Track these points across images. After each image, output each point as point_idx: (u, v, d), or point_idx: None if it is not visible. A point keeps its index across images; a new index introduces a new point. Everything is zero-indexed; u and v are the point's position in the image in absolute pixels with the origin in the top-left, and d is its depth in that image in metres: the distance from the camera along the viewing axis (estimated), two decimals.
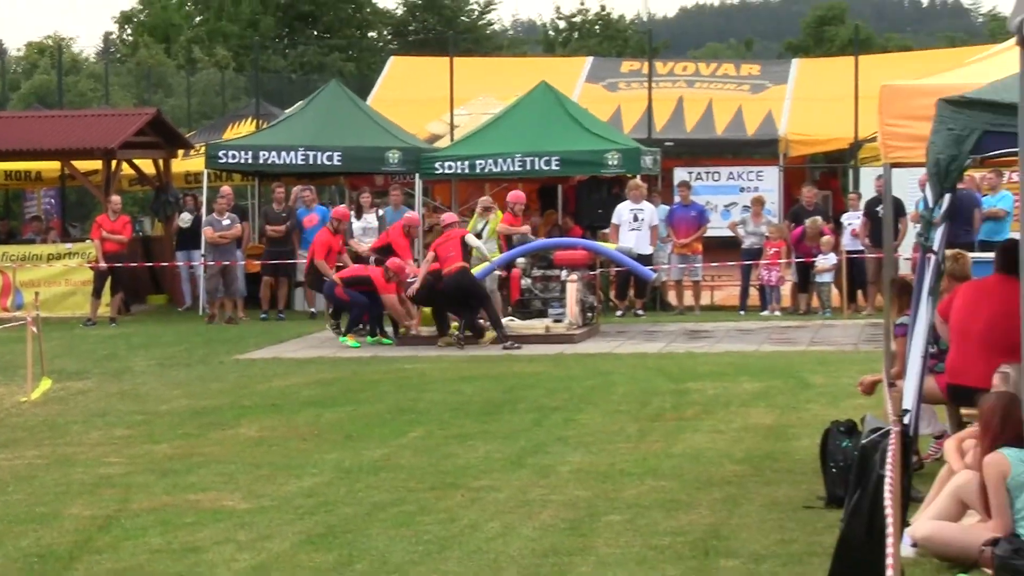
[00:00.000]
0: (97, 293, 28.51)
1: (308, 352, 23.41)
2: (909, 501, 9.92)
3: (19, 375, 19.79)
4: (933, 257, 9.71)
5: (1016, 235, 20.47)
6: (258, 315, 28.75)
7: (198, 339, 25.67)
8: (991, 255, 13.25)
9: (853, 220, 27.78)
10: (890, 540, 7.11)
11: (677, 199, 29.16)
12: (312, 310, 29.01)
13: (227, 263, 28.40)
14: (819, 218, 28.08)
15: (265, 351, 23.71)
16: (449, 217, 24.82)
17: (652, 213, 27.65)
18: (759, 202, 29.23)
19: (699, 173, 32.09)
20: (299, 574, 10.03)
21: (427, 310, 24.09)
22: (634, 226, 27.10)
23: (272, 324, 28.03)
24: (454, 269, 23.10)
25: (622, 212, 27.23)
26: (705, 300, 29.14)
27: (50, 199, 38.26)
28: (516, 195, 26.26)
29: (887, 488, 7.78)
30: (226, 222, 28.75)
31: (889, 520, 7.34)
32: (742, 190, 31.15)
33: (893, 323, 12.75)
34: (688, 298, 28.90)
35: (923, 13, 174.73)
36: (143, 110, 34.75)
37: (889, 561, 6.93)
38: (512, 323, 24.12)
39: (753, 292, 28.30)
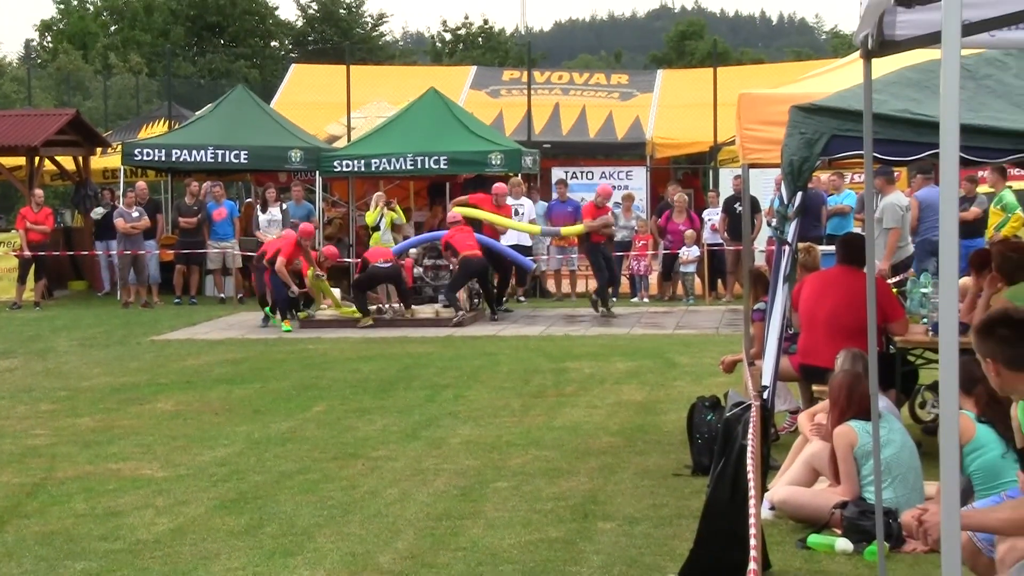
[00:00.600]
0: (22, 279, 28.18)
1: (219, 334, 23.25)
2: (768, 469, 10.03)
3: None
4: (788, 248, 9.81)
5: (858, 230, 20.70)
6: (172, 300, 28.53)
7: (116, 322, 25.42)
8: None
9: (713, 216, 27.98)
10: (752, 503, 7.19)
11: (555, 196, 29.19)
12: (222, 295, 28.83)
13: (139, 252, 28.20)
14: (683, 194, 28.58)
15: (179, 333, 23.51)
16: (454, 216, 24.82)
17: (531, 208, 27.71)
18: (629, 199, 29.39)
19: (575, 172, 32.19)
20: (214, 536, 9.95)
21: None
22: (515, 220, 27.11)
23: (185, 308, 27.81)
24: (479, 254, 23.81)
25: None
26: (581, 288, 29.19)
27: None
28: (499, 186, 26.16)
29: (748, 456, 7.87)
30: (135, 214, 28.52)
31: (751, 485, 7.42)
32: (614, 188, 31.26)
33: (751, 309, 12.87)
34: (565, 286, 28.97)
35: (773, 30, 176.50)
36: (63, 111, 34.28)
37: (752, 521, 7.01)
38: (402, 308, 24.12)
39: (624, 281, 28.41)
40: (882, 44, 6.23)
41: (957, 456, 3.88)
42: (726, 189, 28.68)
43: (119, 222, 28.47)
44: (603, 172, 32.21)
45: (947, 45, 3.49)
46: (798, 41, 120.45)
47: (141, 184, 30.05)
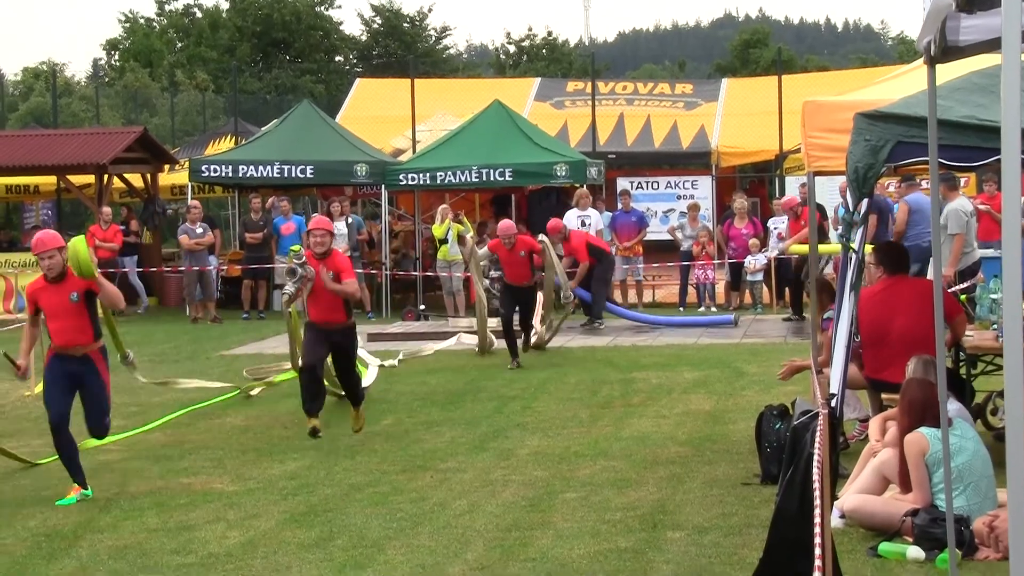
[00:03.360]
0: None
1: (287, 348, 23.31)
2: (837, 477, 10.00)
3: None
4: (854, 256, 9.77)
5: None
6: (240, 315, 28.69)
7: (186, 337, 25.60)
8: None
9: (779, 224, 27.87)
10: (818, 511, 7.19)
11: (619, 206, 29.19)
12: (289, 309, 28.92)
13: (206, 268, 28.44)
14: (743, 200, 28.50)
15: (247, 347, 23.67)
16: (558, 224, 24.79)
17: (597, 219, 27.68)
18: (695, 208, 29.35)
19: (639, 182, 32.19)
20: (285, 549, 10.04)
21: None
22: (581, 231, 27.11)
23: (253, 323, 27.97)
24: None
25: (571, 218, 27.24)
26: (647, 298, 29.18)
27: (47, 211, 38.07)
28: (505, 225, 25.02)
29: (815, 465, 7.86)
30: (199, 230, 28.75)
31: (817, 493, 7.42)
32: (678, 197, 31.28)
33: (821, 318, 12.83)
34: (632, 296, 28.94)
35: (838, 37, 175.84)
36: (131, 129, 34.58)
37: (818, 530, 7.01)
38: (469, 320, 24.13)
39: (691, 290, 28.37)
40: (945, 50, 6.21)
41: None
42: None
43: (183, 239, 28.72)
44: (668, 182, 32.21)
45: (1007, 50, 3.49)
46: (863, 47, 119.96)
47: (195, 202, 30.22)
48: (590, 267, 24.27)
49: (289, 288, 14.90)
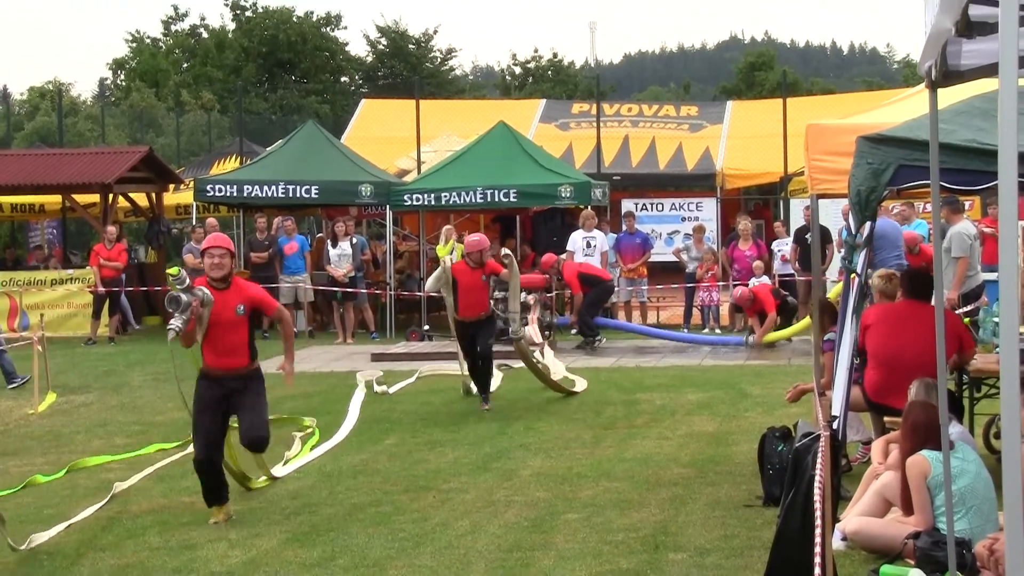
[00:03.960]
0: (96, 315, 28.51)
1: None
2: (839, 499, 10.02)
3: (26, 389, 19.74)
4: (856, 279, 9.82)
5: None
6: None
7: (189, 356, 25.51)
8: None
9: (783, 247, 27.92)
10: (819, 533, 7.21)
11: (624, 228, 29.24)
12: (295, 329, 28.96)
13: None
14: (747, 222, 28.56)
15: None
16: (551, 259, 25.64)
17: (603, 240, 27.72)
18: (700, 230, 29.36)
19: (644, 204, 32.19)
20: (287, 569, 10.06)
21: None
22: (587, 252, 27.16)
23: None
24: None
25: (576, 239, 27.30)
26: (651, 319, 29.19)
27: (52, 229, 38.20)
28: (472, 241, 24.54)
29: (816, 486, 7.89)
30: None
31: (818, 515, 7.45)
32: (683, 219, 31.29)
33: (821, 339, 12.85)
34: (636, 317, 28.95)
35: (844, 60, 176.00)
36: (136, 148, 34.66)
37: (817, 550, 7.03)
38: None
39: (695, 312, 28.39)
40: (946, 74, 6.25)
41: (1020, 484, 3.90)
42: (797, 219, 28.63)
43: (188, 257, 28.74)
44: (673, 203, 32.20)
45: (1004, 75, 3.52)
46: (869, 71, 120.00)
47: (212, 221, 30.27)
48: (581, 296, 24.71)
49: (176, 323, 11.60)
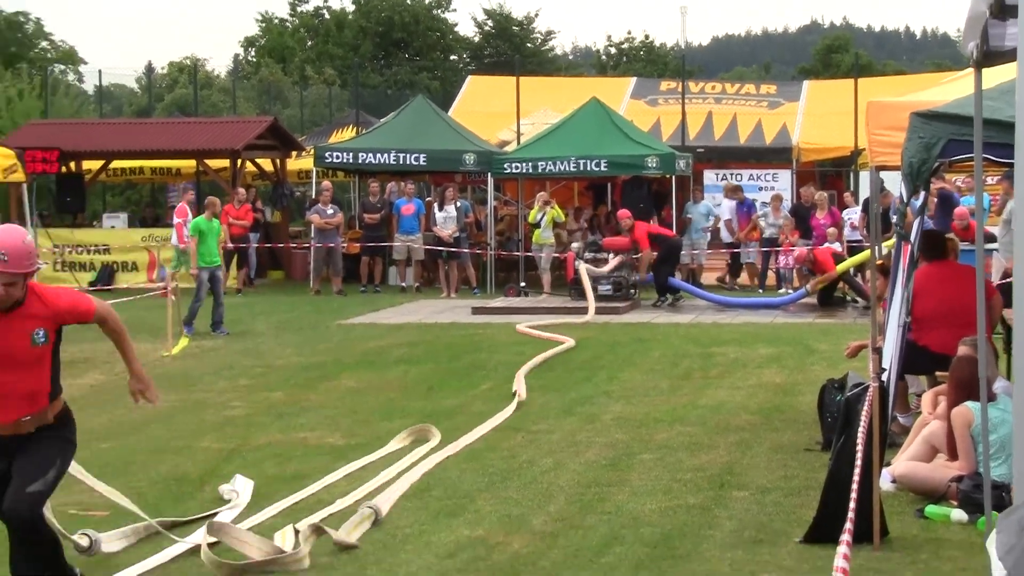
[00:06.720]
0: (225, 268, 28.80)
1: (399, 319, 23.58)
2: (889, 445, 10.02)
3: (161, 334, 20.07)
4: (908, 245, 9.79)
5: (993, 229, 20.32)
6: (358, 289, 28.95)
7: (308, 308, 25.90)
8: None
9: (852, 215, 27.74)
10: (857, 472, 7.26)
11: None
12: (403, 284, 29.20)
13: (331, 245, 28.75)
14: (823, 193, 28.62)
15: (363, 318, 23.89)
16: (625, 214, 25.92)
17: (726, 208, 29.19)
18: (778, 199, 29.19)
19: (724, 175, 32.14)
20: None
21: None
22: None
23: (370, 296, 28.21)
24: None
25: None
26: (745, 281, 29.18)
27: (188, 190, 38.59)
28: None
29: (860, 432, 7.92)
30: (330, 211, 29.01)
31: (859, 457, 7.50)
32: (760, 189, 31.16)
33: (878, 302, 12.78)
34: (744, 279, 28.98)
35: (916, 44, 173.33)
36: (263, 118, 34.99)
37: (854, 486, 7.09)
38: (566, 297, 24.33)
39: (770, 274, 28.28)
40: (987, 55, 6.24)
41: None
42: (865, 190, 28.38)
43: (315, 218, 28.97)
44: (751, 175, 32.10)
45: (1022, 62, 3.53)
46: (940, 54, 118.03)
47: (327, 184, 30.51)
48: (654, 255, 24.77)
49: None
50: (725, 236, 29.16)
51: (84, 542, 8.51)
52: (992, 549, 3.58)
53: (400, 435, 12.43)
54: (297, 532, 8.82)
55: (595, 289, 24.69)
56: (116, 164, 34.39)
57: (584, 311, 23.32)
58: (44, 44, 67.46)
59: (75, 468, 8.29)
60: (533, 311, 23.77)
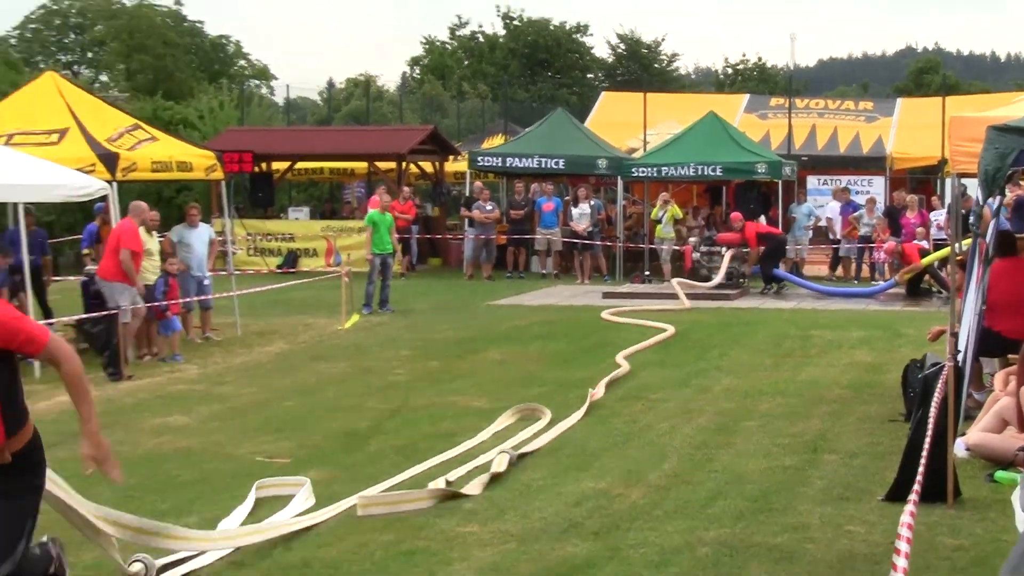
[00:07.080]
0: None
1: (539, 301, 23.70)
2: (964, 418, 9.91)
3: (336, 311, 20.38)
4: (984, 242, 9.67)
5: None
6: (504, 275, 29.13)
7: (462, 291, 26.13)
8: None
9: (938, 217, 27.30)
10: (928, 441, 7.22)
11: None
12: (543, 271, 29.35)
13: (490, 237, 29.05)
14: (914, 196, 28.17)
15: (509, 300, 24.04)
16: (737, 216, 25.74)
17: (833, 209, 28.82)
18: (872, 201, 28.80)
19: (825, 180, 31.81)
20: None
21: None
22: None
23: (515, 281, 28.37)
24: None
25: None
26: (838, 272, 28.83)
27: (360, 188, 39.06)
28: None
29: (933, 406, 7.87)
30: (489, 207, 29.33)
31: (930, 427, 7.45)
32: (856, 193, 30.76)
33: (957, 293, 12.60)
34: (839, 271, 28.66)
35: (1001, 66, 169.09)
36: (425, 127, 35.29)
37: (924, 452, 7.05)
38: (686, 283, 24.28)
39: (864, 268, 27.91)
40: None
41: None
42: (951, 195, 27.86)
43: (476, 213, 29.28)
44: (848, 180, 31.66)
45: None
46: (1022, 75, 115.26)
47: (480, 184, 30.77)
48: (762, 250, 24.72)
49: None
50: (838, 229, 28.65)
51: (138, 568, 6.77)
52: (1017, 503, 3.60)
53: (506, 412, 12.00)
54: (448, 483, 8.98)
55: (708, 278, 24.67)
56: (300, 165, 34.95)
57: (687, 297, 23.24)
58: (242, 63, 68.78)
59: (51, 479, 5.98)
60: (657, 296, 23.72)
